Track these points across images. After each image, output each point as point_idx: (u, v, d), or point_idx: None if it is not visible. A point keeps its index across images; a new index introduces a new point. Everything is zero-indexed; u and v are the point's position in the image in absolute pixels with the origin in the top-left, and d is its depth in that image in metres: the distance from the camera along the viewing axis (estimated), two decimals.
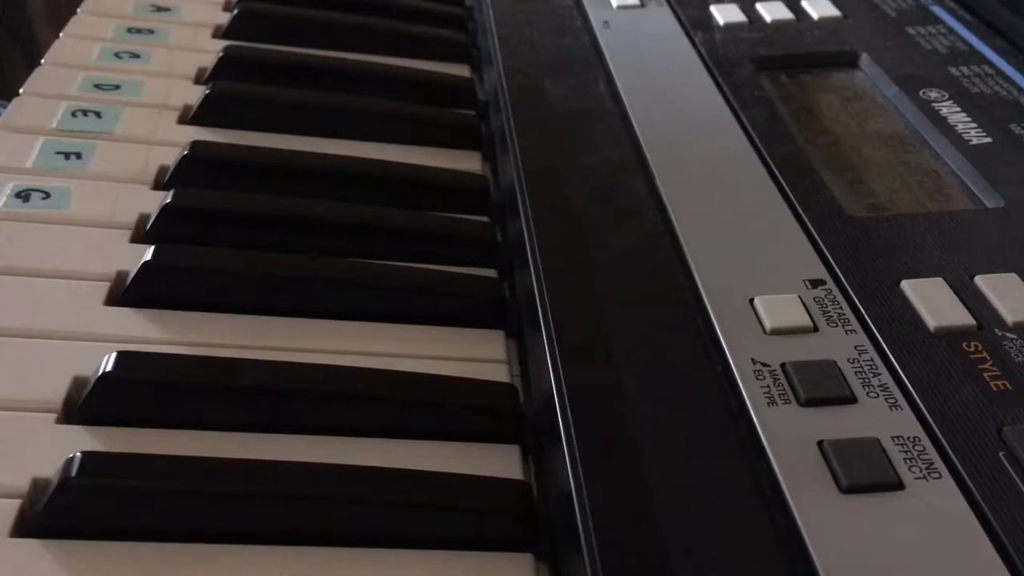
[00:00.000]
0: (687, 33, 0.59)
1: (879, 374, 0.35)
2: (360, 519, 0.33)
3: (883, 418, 0.33)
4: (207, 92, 0.55)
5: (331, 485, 0.34)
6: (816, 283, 0.39)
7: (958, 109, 0.49)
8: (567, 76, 0.55)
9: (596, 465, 0.32)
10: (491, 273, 0.46)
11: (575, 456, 0.32)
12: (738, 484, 0.31)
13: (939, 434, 0.32)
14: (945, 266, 0.39)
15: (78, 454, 0.33)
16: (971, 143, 0.46)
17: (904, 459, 0.31)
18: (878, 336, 0.36)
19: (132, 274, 0.42)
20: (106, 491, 0.33)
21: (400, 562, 0.32)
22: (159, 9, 0.66)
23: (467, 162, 0.55)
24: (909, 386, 0.34)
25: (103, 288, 0.42)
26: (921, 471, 0.31)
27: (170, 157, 0.50)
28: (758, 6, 0.60)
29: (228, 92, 0.56)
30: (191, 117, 0.55)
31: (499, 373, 0.41)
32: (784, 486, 0.31)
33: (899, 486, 0.30)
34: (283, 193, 0.49)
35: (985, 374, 0.34)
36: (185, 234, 0.45)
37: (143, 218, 0.46)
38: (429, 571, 0.32)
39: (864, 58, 0.55)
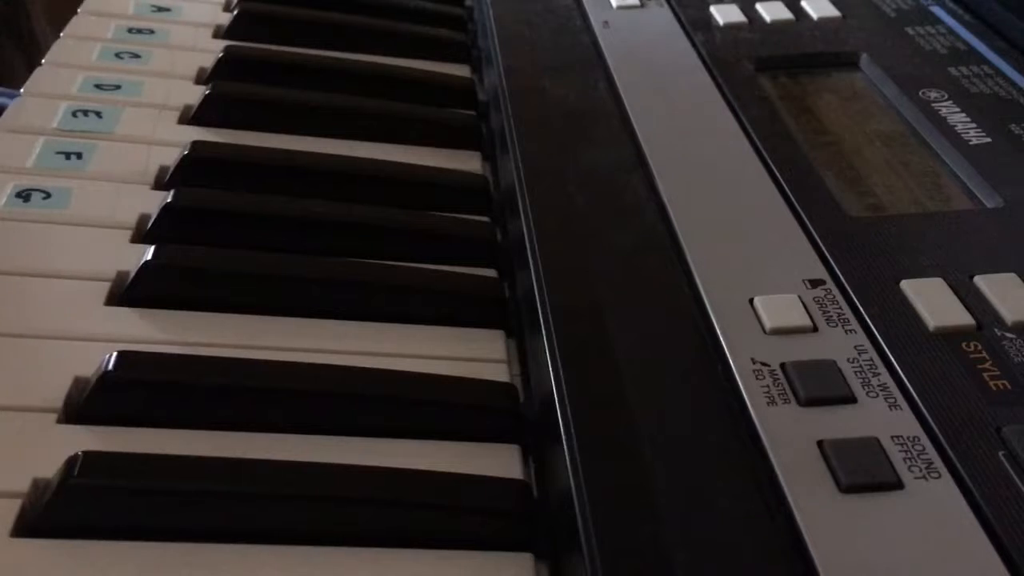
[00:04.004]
0: (687, 33, 0.59)
1: (879, 374, 0.35)
2: (360, 519, 0.33)
3: (883, 418, 0.33)
4: (207, 92, 0.55)
5: (331, 485, 0.34)
6: (816, 283, 0.39)
7: (958, 109, 0.49)
8: (567, 76, 0.55)
9: (596, 465, 0.32)
10: (491, 273, 0.46)
11: (575, 456, 0.32)
12: (738, 484, 0.31)
13: (939, 434, 0.32)
14: (945, 266, 0.39)
15: (78, 454, 0.33)
16: (971, 143, 0.46)
17: (904, 459, 0.31)
18: (878, 336, 0.36)
19: (132, 274, 0.42)
20: (106, 491, 0.33)
21: (400, 562, 0.32)
22: (159, 9, 0.66)
23: (467, 162, 0.55)
24: (909, 386, 0.34)
25: (103, 288, 0.42)
26: (921, 471, 0.31)
27: (170, 157, 0.50)
28: (758, 6, 0.60)
29: (228, 92, 0.56)
30: (191, 117, 0.55)
31: (499, 373, 0.41)
32: (784, 485, 0.31)
33: (899, 486, 0.30)
34: (283, 193, 0.49)
35: (985, 374, 0.34)
36: (185, 234, 0.45)
37: (143, 218, 0.46)
38: (429, 571, 0.32)
39: (864, 58, 0.55)
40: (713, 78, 0.53)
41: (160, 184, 0.49)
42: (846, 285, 0.38)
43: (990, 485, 0.30)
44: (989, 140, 0.47)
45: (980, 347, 0.35)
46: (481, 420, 0.38)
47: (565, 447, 0.33)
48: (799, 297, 0.38)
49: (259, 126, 0.54)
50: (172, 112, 0.55)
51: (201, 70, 0.59)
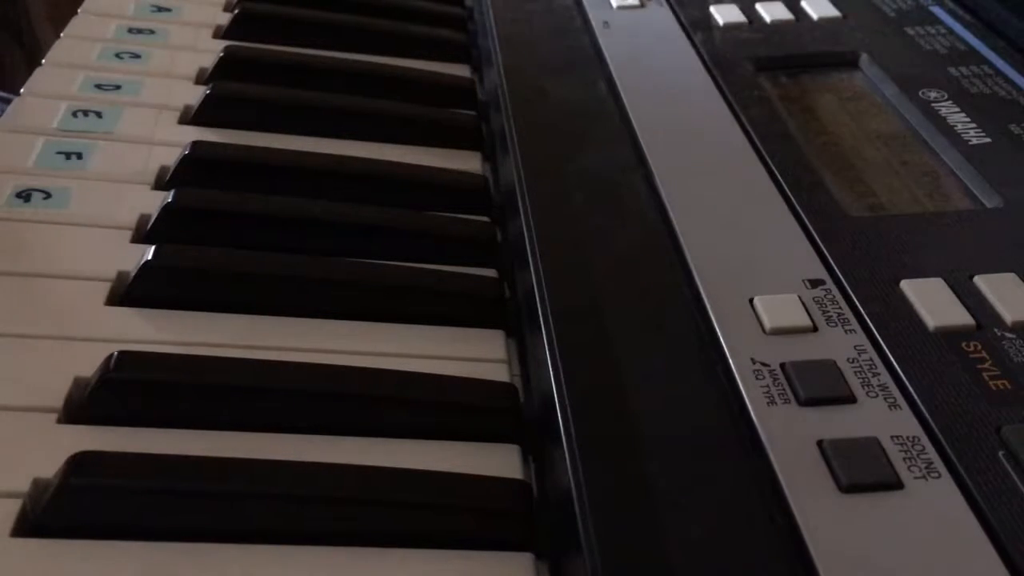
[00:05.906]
0: (687, 33, 0.59)
1: (878, 374, 0.35)
2: (360, 518, 0.33)
3: (882, 418, 0.33)
4: (207, 92, 0.55)
5: (331, 485, 0.34)
6: (816, 283, 0.39)
7: (958, 109, 0.49)
8: (567, 76, 0.55)
9: (596, 465, 0.32)
10: (491, 273, 0.46)
11: (575, 456, 0.32)
12: (738, 484, 0.31)
13: (938, 434, 0.32)
14: (944, 266, 0.39)
15: (78, 454, 0.33)
16: (970, 143, 0.46)
17: (903, 459, 0.31)
18: (877, 336, 0.36)
19: (133, 274, 0.42)
20: (106, 491, 0.33)
21: (400, 562, 0.32)
22: (159, 9, 0.66)
23: (467, 162, 0.55)
24: (908, 386, 0.34)
25: (104, 288, 0.42)
26: (920, 471, 0.31)
27: (171, 157, 0.50)
28: (758, 6, 0.60)
29: (228, 92, 0.56)
30: (191, 117, 0.55)
31: (499, 373, 0.41)
32: (784, 486, 0.31)
33: (898, 485, 0.30)
34: (283, 193, 0.49)
35: (984, 374, 0.34)
36: (186, 234, 0.45)
37: (144, 218, 0.46)
38: (429, 571, 0.32)
39: (864, 58, 0.55)
40: (713, 78, 0.53)
41: (160, 184, 0.49)
42: (846, 285, 0.38)
43: (990, 485, 0.30)
44: (989, 140, 0.47)
45: (980, 347, 0.35)
46: (481, 420, 0.38)
47: (565, 447, 0.33)
48: (799, 297, 0.38)
49: (259, 126, 0.54)
50: (172, 112, 0.55)
51: (201, 70, 0.59)
